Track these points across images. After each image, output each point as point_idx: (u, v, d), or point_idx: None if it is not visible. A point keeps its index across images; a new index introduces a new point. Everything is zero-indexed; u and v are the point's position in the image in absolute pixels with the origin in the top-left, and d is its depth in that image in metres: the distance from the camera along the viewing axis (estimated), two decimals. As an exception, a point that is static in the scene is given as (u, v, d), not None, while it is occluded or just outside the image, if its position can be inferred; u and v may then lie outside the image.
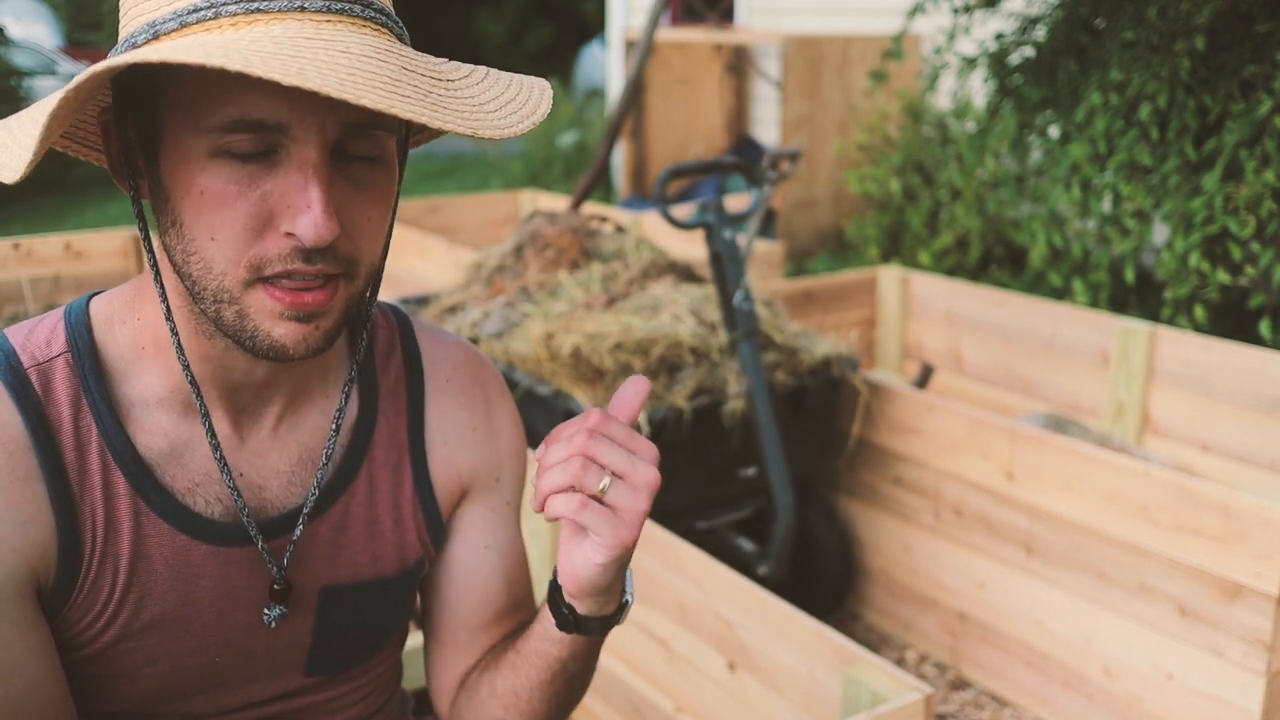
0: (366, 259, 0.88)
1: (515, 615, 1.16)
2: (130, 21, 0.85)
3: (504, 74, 0.90)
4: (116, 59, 0.74)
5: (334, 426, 1.00)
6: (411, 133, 1.00)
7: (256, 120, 0.80)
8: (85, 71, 0.76)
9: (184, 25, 0.80)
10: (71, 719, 0.93)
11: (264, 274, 0.84)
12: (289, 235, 0.83)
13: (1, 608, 0.88)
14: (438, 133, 1.03)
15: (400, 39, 0.86)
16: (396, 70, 0.78)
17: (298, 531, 0.98)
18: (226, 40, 0.77)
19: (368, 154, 0.85)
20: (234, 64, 0.71)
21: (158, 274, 0.92)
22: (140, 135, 0.87)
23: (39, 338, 0.94)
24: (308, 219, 0.81)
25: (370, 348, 1.07)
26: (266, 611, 0.98)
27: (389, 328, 1.09)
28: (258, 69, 0.71)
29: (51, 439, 0.90)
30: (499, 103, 0.85)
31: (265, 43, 0.76)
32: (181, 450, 0.95)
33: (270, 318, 0.85)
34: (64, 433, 0.91)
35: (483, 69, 0.89)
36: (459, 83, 0.84)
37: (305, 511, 0.99)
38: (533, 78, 0.91)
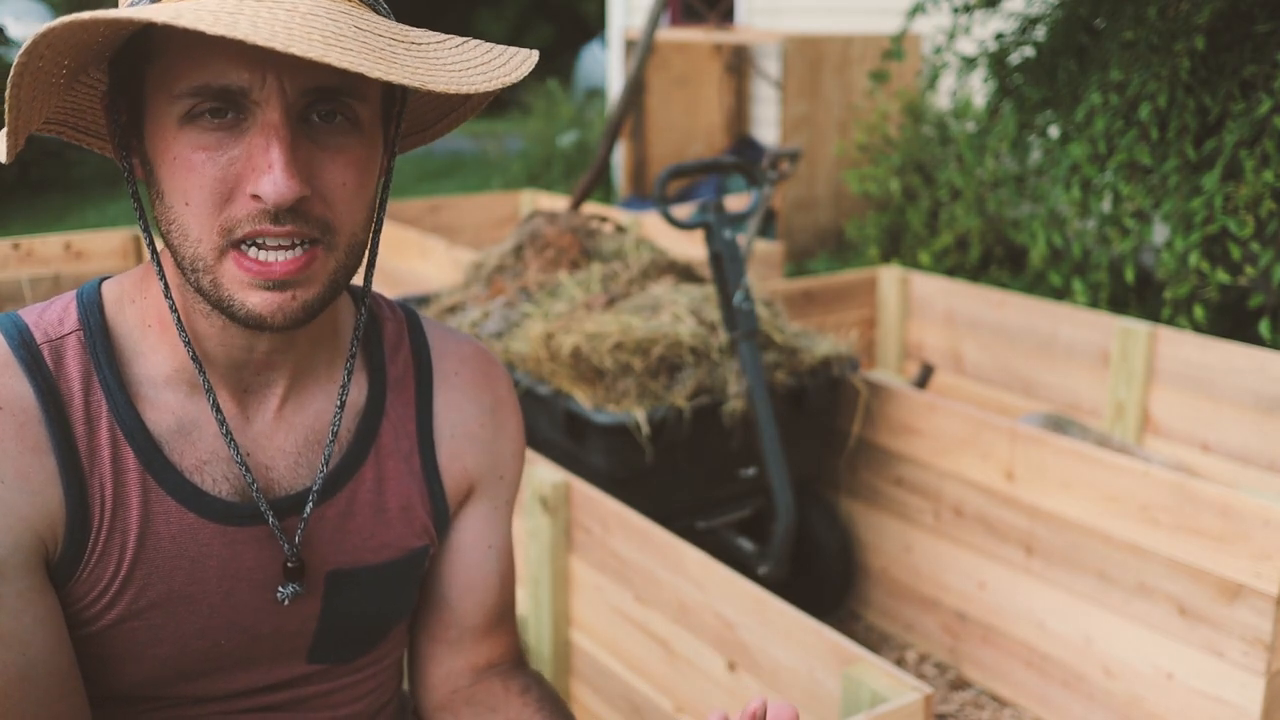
0: (345, 227, 0.89)
1: (503, 626, 1.17)
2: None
3: (488, 44, 0.90)
4: (56, 22, 0.77)
5: (339, 403, 1.01)
6: (410, 114, 1.01)
7: (220, 86, 0.83)
8: (33, 35, 0.78)
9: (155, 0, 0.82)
10: (78, 689, 0.94)
11: (234, 237, 0.85)
12: (255, 198, 0.84)
13: (9, 577, 0.89)
14: (447, 127, 1.05)
15: (373, 8, 0.88)
16: (345, 27, 0.80)
17: (308, 510, 0.99)
18: (178, 6, 0.78)
19: (335, 117, 0.87)
20: (159, 18, 0.74)
21: (155, 253, 0.93)
22: (131, 115, 0.90)
23: (52, 316, 0.96)
24: (269, 178, 0.83)
25: (378, 339, 1.08)
26: (280, 590, 0.99)
27: (397, 321, 1.11)
28: (185, 21, 0.73)
29: (62, 413, 0.92)
30: (465, 64, 0.86)
31: (213, 3, 0.78)
32: (189, 428, 0.96)
33: (242, 287, 0.86)
34: (75, 407, 0.92)
35: (467, 39, 0.90)
36: (426, 46, 0.86)
37: (314, 490, 1.00)
38: (520, 49, 0.91)
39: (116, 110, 0.91)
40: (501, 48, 0.90)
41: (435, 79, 0.81)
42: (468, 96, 0.99)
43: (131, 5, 0.84)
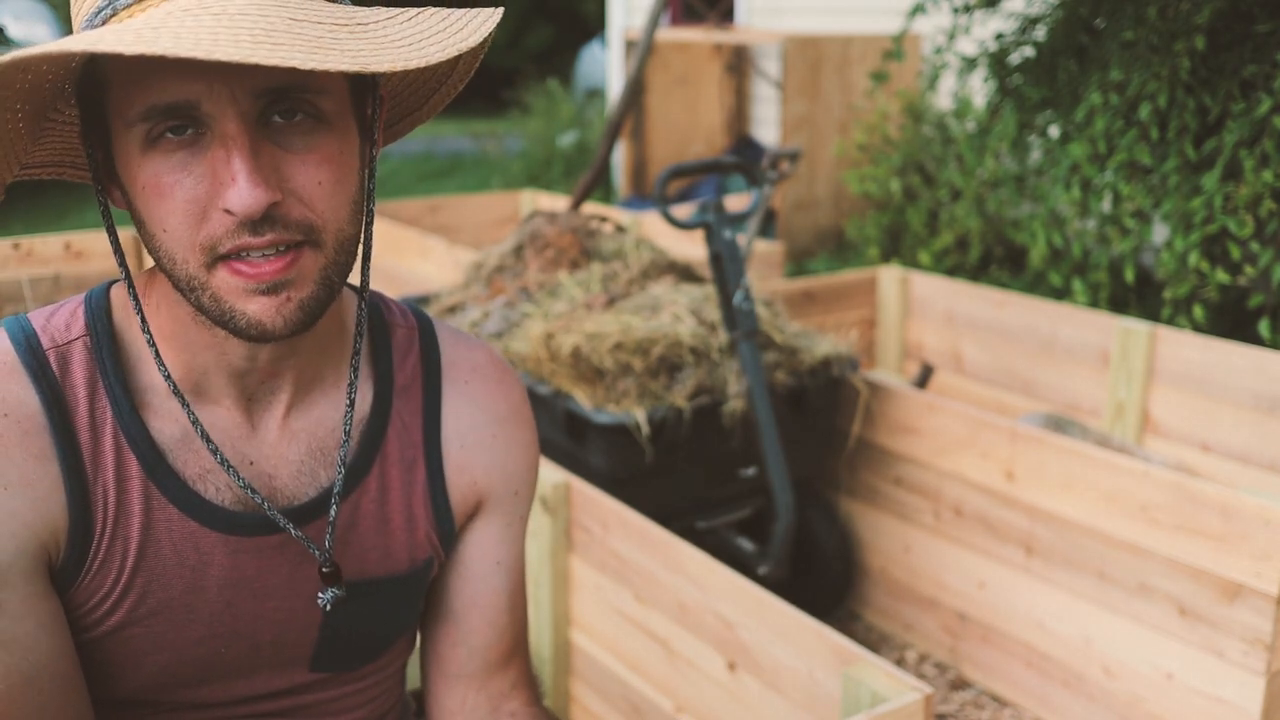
0: (330, 225, 0.87)
1: (515, 662, 1.15)
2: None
3: (445, 10, 0.88)
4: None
5: (348, 401, 1.00)
6: (391, 99, 0.99)
7: (168, 105, 0.81)
8: None
9: (93, 28, 0.81)
10: (82, 694, 0.94)
11: (219, 253, 0.84)
12: (227, 212, 0.83)
13: (13, 583, 0.89)
14: (425, 115, 1.03)
15: None
16: (278, 21, 0.77)
17: (333, 512, 0.98)
18: (99, 32, 0.77)
19: (295, 114, 0.84)
20: (77, 47, 0.72)
21: (128, 278, 0.94)
22: (103, 149, 0.89)
23: (59, 321, 0.95)
24: (234, 191, 0.81)
25: (386, 345, 1.06)
26: (320, 595, 0.99)
27: (408, 327, 1.09)
28: (104, 46, 0.71)
29: (67, 420, 0.91)
30: (420, 36, 0.83)
31: (140, 23, 0.76)
32: (192, 437, 0.96)
33: (239, 295, 0.85)
34: (79, 414, 0.92)
35: (423, 9, 0.88)
36: (372, 25, 0.83)
37: (336, 492, 0.99)
38: (483, 10, 0.89)
39: (91, 145, 0.90)
40: (461, 12, 0.87)
41: (379, 58, 0.78)
42: (450, 73, 0.97)
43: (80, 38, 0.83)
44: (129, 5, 0.80)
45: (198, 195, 0.83)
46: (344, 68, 0.75)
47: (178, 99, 0.81)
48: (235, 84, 0.81)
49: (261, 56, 0.72)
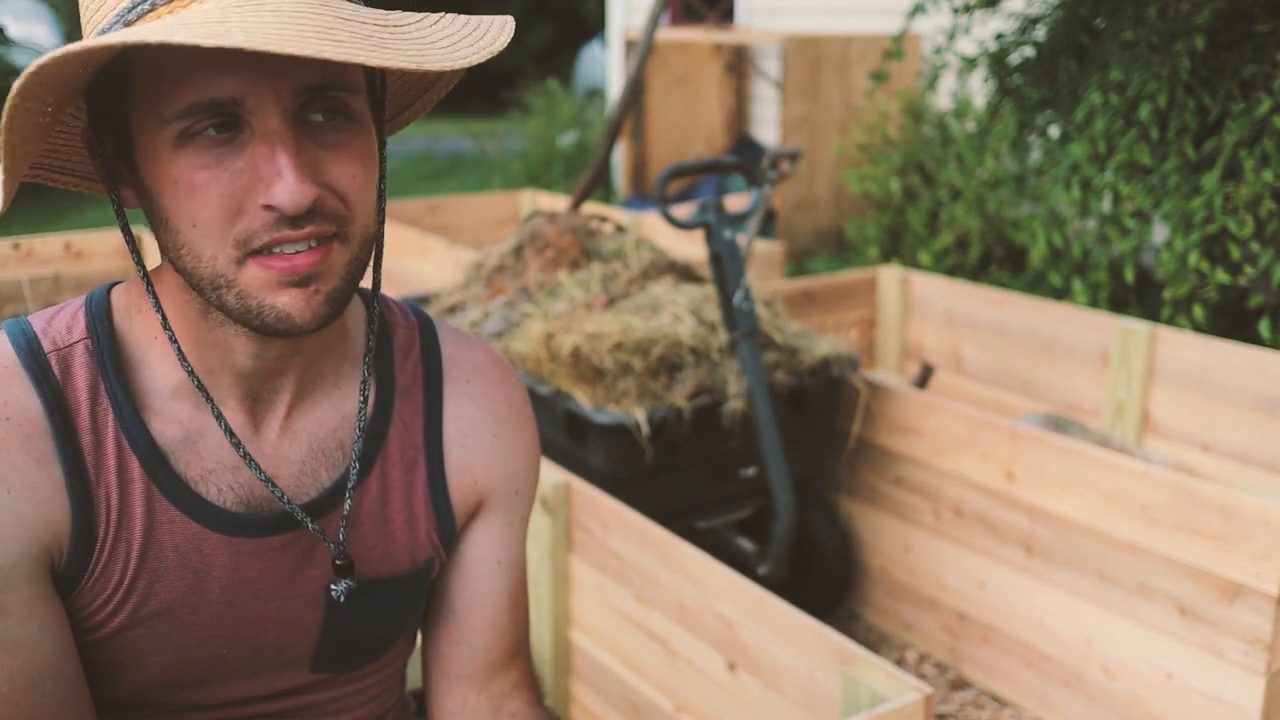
0: (359, 218, 0.88)
1: (516, 662, 1.15)
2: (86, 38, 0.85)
3: (462, 16, 0.89)
4: (46, 58, 0.75)
5: (361, 399, 1.01)
6: (387, 99, 1.00)
7: (211, 101, 0.81)
8: (16, 85, 0.75)
9: (127, 25, 0.81)
10: (84, 695, 0.94)
11: (252, 247, 0.84)
12: (267, 208, 0.83)
13: (16, 585, 0.89)
14: (421, 109, 1.04)
15: None
16: (331, 20, 0.78)
17: (347, 504, 0.99)
18: (163, 24, 0.77)
19: (332, 113, 0.85)
20: (153, 37, 0.71)
21: (145, 276, 0.93)
22: (117, 145, 0.88)
23: (60, 324, 0.95)
24: (282, 186, 0.82)
25: (388, 345, 1.07)
26: (333, 587, 0.99)
27: (409, 327, 1.09)
28: (179, 37, 0.71)
29: (69, 423, 0.91)
30: (451, 39, 0.85)
31: (195, 17, 0.76)
32: (195, 438, 0.96)
33: (269, 289, 0.85)
34: (81, 417, 0.92)
35: (440, 14, 0.89)
36: (408, 27, 0.84)
37: (350, 487, 0.99)
38: (495, 16, 0.90)
39: (100, 144, 0.89)
40: (478, 18, 0.89)
41: (429, 59, 0.80)
42: (439, 75, 0.98)
43: (100, 33, 0.82)
44: (169, 1, 0.80)
45: (234, 191, 0.83)
46: (401, 65, 0.76)
47: (220, 96, 0.81)
48: (279, 81, 0.82)
49: (329, 52, 0.73)
